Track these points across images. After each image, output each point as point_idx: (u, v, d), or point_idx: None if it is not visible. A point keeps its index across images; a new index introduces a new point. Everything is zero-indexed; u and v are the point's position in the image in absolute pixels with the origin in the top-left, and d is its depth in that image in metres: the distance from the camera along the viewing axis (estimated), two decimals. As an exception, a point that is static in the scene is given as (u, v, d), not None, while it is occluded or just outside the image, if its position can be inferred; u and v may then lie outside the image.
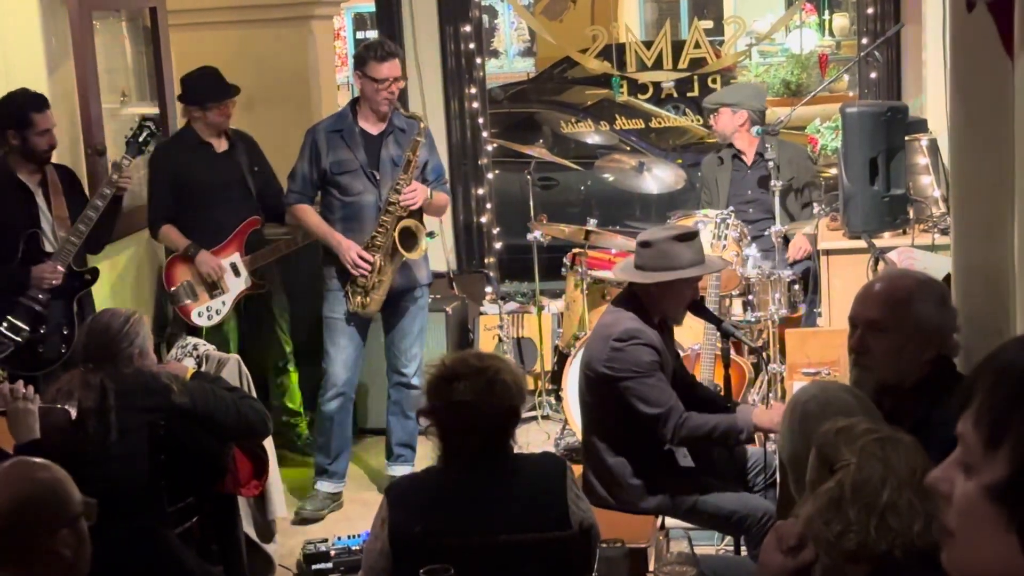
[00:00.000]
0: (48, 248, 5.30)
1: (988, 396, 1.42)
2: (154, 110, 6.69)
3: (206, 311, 6.07)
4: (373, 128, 5.76)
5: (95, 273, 5.44)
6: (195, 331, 5.96)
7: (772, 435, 4.27)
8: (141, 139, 5.55)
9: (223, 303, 6.10)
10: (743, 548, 4.37)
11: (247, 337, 6.32)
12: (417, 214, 5.77)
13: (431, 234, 5.81)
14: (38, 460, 2.71)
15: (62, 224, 5.32)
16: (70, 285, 5.30)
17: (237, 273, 6.12)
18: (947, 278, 3.68)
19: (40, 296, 5.20)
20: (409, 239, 5.69)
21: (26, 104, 5.23)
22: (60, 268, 5.22)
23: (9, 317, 5.14)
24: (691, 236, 4.35)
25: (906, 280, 3.27)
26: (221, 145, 6.18)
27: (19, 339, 5.12)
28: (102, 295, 5.92)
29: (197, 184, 6.08)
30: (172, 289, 6.04)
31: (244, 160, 6.19)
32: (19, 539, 2.53)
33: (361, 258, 5.65)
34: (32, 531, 2.54)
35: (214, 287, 6.06)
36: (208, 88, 6.09)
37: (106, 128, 6.15)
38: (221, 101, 6.07)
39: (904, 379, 3.14)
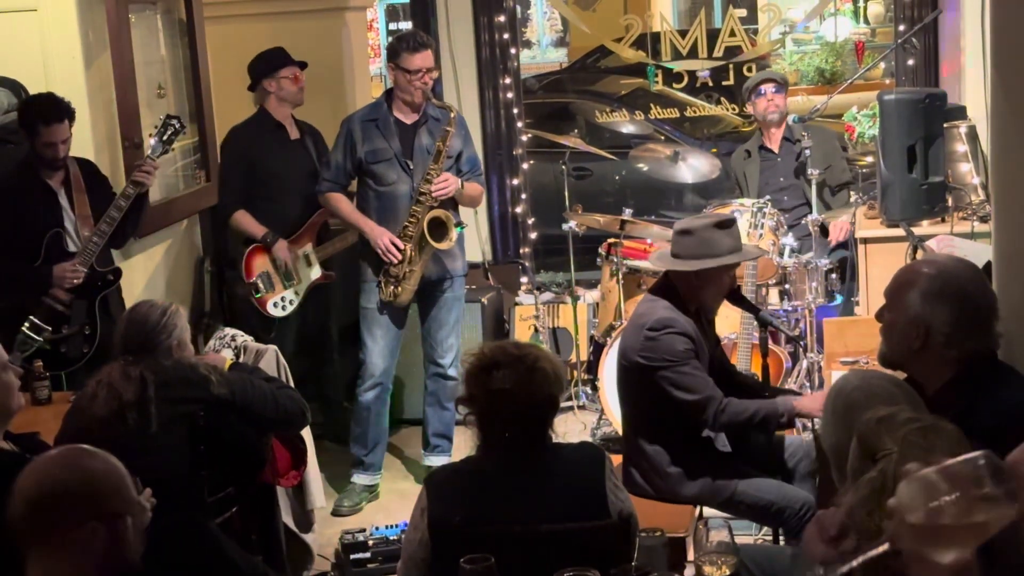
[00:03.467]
0: (71, 248, 5.28)
1: None
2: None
3: (281, 301, 6.15)
4: (407, 118, 5.77)
5: (118, 273, 5.44)
6: (268, 321, 6.03)
7: (812, 422, 4.27)
8: (165, 137, 5.55)
9: (296, 293, 6.18)
10: (781, 538, 4.37)
11: (305, 327, 6.37)
12: (450, 204, 5.77)
13: (459, 224, 5.80)
14: (93, 450, 2.68)
15: (85, 223, 5.29)
16: (92, 285, 5.28)
17: (309, 264, 6.19)
18: (987, 266, 3.65)
19: (62, 296, 5.19)
20: (439, 229, 5.69)
21: (37, 114, 5.20)
22: (81, 268, 5.21)
23: (31, 317, 5.12)
24: (729, 223, 4.33)
25: (921, 265, 3.27)
26: (294, 132, 6.25)
27: (40, 339, 5.10)
28: (139, 287, 5.97)
29: (269, 169, 6.16)
30: (250, 280, 6.10)
31: (314, 150, 6.25)
32: (41, 523, 2.51)
33: (393, 245, 5.66)
34: (53, 517, 2.51)
35: (289, 278, 6.13)
36: (277, 54, 6.21)
37: (143, 121, 6.17)
38: (289, 65, 6.18)
39: (897, 358, 3.16)
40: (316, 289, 6.28)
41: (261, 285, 6.11)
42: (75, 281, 5.20)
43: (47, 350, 5.08)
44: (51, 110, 5.20)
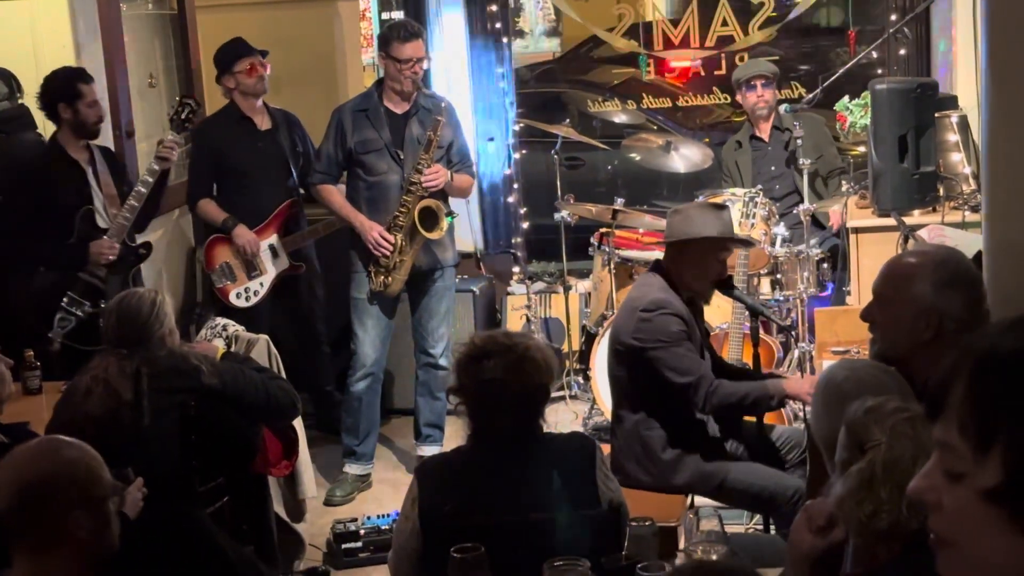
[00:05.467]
0: (102, 224, 5.39)
1: (970, 396, 1.31)
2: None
3: (244, 292, 6.11)
4: (398, 108, 5.76)
5: (149, 247, 5.59)
6: (229, 310, 5.98)
7: (803, 409, 4.28)
8: (183, 116, 5.61)
9: (261, 284, 6.14)
10: (772, 527, 4.37)
11: (281, 318, 6.34)
12: (440, 195, 5.76)
13: (450, 214, 5.79)
14: (66, 439, 2.69)
15: (112, 201, 5.41)
16: (126, 260, 5.42)
17: (275, 255, 6.15)
18: (977, 256, 3.65)
19: (99, 272, 5.30)
20: (429, 219, 5.68)
21: (73, 76, 5.34)
22: (116, 244, 5.32)
23: (70, 293, 5.23)
24: (719, 207, 4.37)
25: (918, 256, 3.26)
26: (263, 123, 6.22)
27: (80, 314, 5.22)
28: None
29: (237, 161, 6.14)
30: (211, 270, 6.07)
31: (286, 140, 6.22)
32: (29, 518, 2.52)
33: (382, 237, 5.65)
34: (41, 510, 2.52)
35: (252, 268, 6.10)
36: (231, 48, 6.15)
37: (134, 110, 6.16)
38: (243, 57, 6.10)
39: (901, 352, 3.12)
40: (291, 280, 6.24)
41: (222, 275, 6.09)
42: (111, 257, 5.33)
43: (84, 325, 5.15)
44: (82, 71, 5.42)
